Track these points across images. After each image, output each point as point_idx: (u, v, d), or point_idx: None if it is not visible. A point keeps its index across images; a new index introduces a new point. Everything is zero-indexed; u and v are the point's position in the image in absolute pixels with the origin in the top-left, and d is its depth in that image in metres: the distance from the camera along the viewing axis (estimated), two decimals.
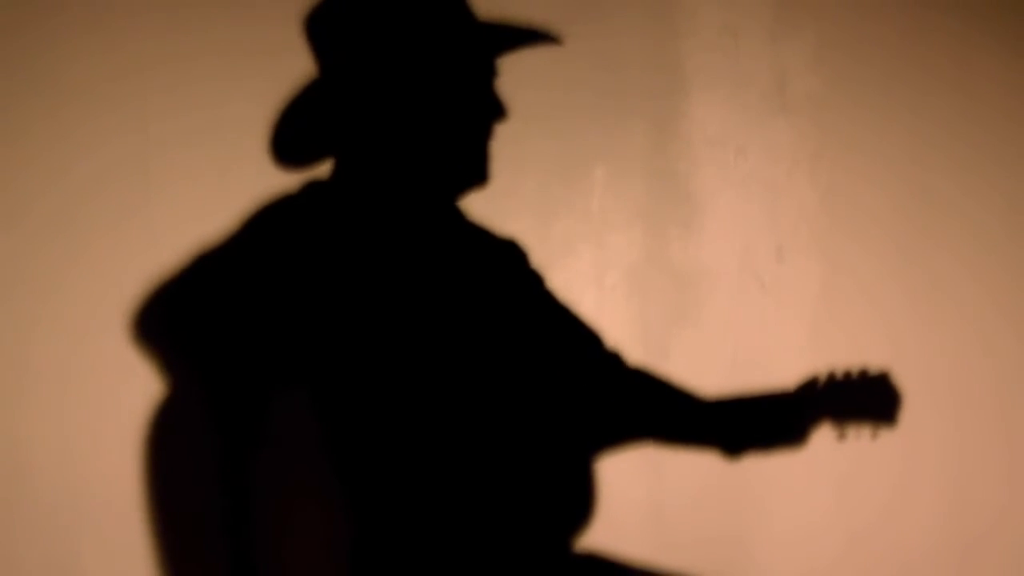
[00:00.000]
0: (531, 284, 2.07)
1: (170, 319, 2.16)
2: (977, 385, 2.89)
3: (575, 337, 2.08)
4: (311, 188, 1.94)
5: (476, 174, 1.91)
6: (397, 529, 1.85)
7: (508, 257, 2.06)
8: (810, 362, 2.71)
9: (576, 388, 2.04)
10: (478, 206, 2.11)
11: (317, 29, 1.93)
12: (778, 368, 2.69)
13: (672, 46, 2.65)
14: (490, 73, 1.90)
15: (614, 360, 2.10)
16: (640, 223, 2.61)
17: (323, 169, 1.98)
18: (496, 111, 1.89)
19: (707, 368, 2.61)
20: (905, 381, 2.10)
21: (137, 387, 2.15)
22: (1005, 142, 2.92)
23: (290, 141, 1.97)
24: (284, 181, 2.06)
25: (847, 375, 2.06)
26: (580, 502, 1.93)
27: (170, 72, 2.17)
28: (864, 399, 2.06)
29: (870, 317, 2.70)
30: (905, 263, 2.82)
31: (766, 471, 2.67)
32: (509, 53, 1.93)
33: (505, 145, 2.47)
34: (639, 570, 2.01)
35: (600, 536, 2.00)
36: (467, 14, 1.92)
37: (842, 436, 2.07)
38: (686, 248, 2.64)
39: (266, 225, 1.92)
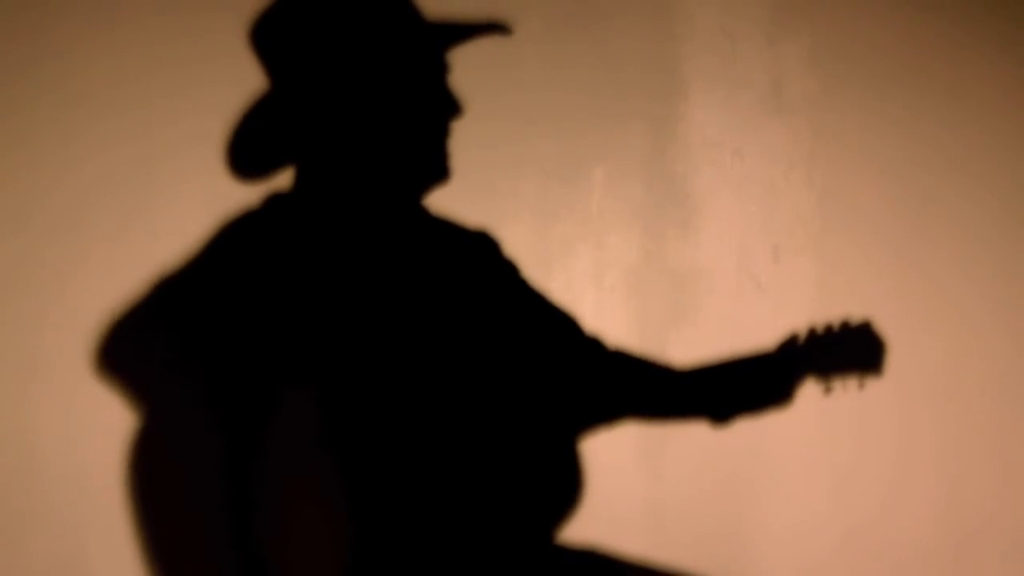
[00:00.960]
0: (505, 273, 2.05)
1: (173, 319, 2.16)
2: (971, 383, 2.88)
3: (553, 321, 2.06)
4: (273, 201, 1.93)
5: (437, 171, 1.90)
6: (399, 527, 1.85)
7: (481, 248, 2.05)
8: None
9: (560, 371, 2.03)
10: (479, 207, 2.11)
11: (264, 37, 1.91)
12: None
13: (670, 49, 2.65)
14: (442, 71, 1.89)
15: (594, 342, 2.08)
16: (639, 224, 2.61)
17: (284, 179, 1.97)
18: (451, 108, 1.88)
19: None
20: (900, 379, 2.10)
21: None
22: (999, 143, 2.92)
23: (246, 153, 1.96)
24: (284, 182, 2.07)
25: (828, 329, 2.04)
26: (573, 487, 1.93)
27: (174, 77, 2.18)
28: (847, 350, 2.03)
29: (865, 316, 2.69)
30: (899, 263, 2.82)
31: (762, 468, 2.68)
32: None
33: (506, 147, 2.48)
34: (637, 566, 2.01)
35: (599, 532, 2.01)
36: (415, 13, 1.91)
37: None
38: (684, 248, 2.64)
39: (247, 233, 1.92)
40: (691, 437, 2.36)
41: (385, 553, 1.86)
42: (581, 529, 1.96)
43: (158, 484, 2.16)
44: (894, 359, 2.08)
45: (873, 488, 2.79)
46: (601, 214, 2.57)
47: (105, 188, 2.15)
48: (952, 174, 2.88)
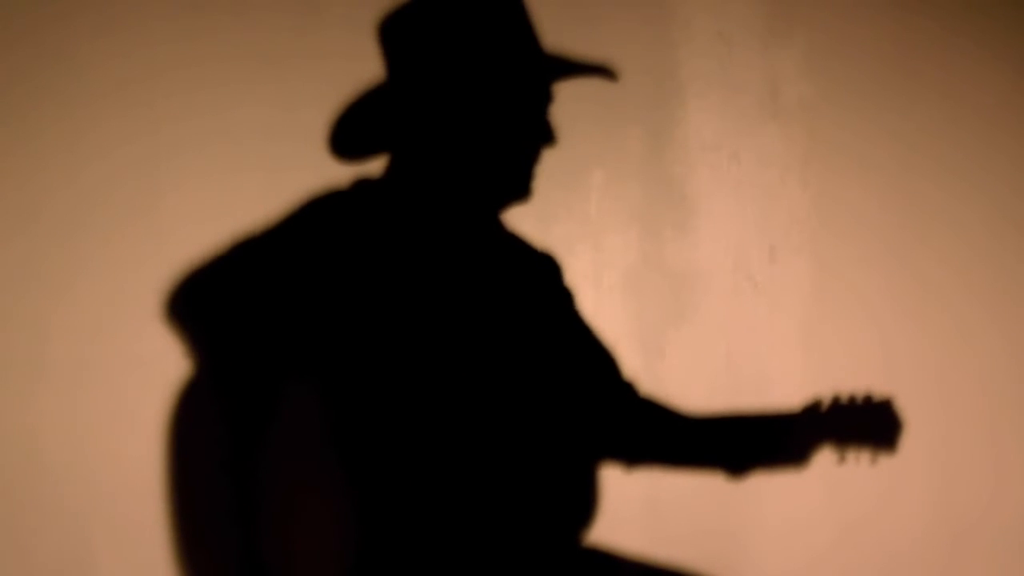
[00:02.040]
0: (558, 299, 2.07)
1: (183, 312, 2.16)
2: (964, 382, 2.89)
3: (592, 358, 2.07)
4: (360, 185, 1.96)
5: (519, 190, 1.92)
6: (403, 522, 1.85)
7: (539, 269, 2.06)
8: (802, 359, 2.73)
9: (587, 408, 2.03)
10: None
11: (390, 35, 1.93)
12: (771, 365, 2.70)
13: (668, 54, 2.65)
14: (546, 99, 1.91)
15: (627, 387, 2.10)
16: (637, 225, 2.61)
17: (374, 168, 1.99)
18: (546, 136, 1.90)
19: (702, 365, 2.62)
20: (893, 378, 2.10)
21: (148, 382, 2.15)
22: (989, 146, 2.93)
23: (348, 136, 1.97)
24: (290, 184, 2.07)
25: (851, 399, 2.05)
26: (582, 505, 1.94)
27: (179, 78, 2.18)
28: (866, 424, 2.05)
29: (859, 315, 2.70)
30: (893, 263, 2.82)
31: None
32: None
33: None
34: (636, 562, 2.01)
35: (598, 530, 2.00)
36: (533, 42, 1.93)
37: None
38: (681, 249, 2.64)
39: (304, 217, 1.94)
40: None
41: (388, 549, 1.86)
42: (582, 527, 1.96)
43: (167, 476, 2.15)
44: (889, 356, 2.08)
45: (868, 485, 2.77)
46: (600, 215, 2.57)
47: (109, 188, 2.15)
48: (944, 176, 2.89)
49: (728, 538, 2.67)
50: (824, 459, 2.25)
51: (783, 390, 2.68)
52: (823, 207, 2.76)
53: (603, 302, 2.54)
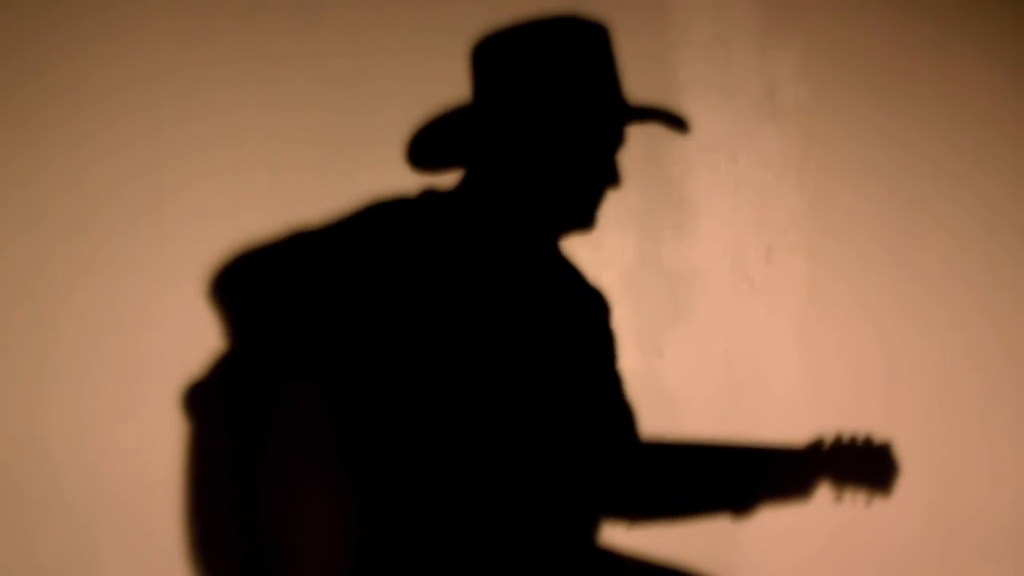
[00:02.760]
0: (594, 333, 2.07)
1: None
2: (958, 380, 2.88)
3: (608, 396, 2.07)
4: (426, 196, 1.97)
5: (581, 223, 1.96)
6: (404, 521, 1.85)
7: (586, 304, 2.07)
8: (798, 357, 2.73)
9: (592, 456, 2.03)
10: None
11: (482, 58, 1.95)
12: (768, 363, 2.70)
13: (666, 57, 2.65)
14: (618, 142, 1.95)
15: (632, 434, 2.10)
16: (635, 226, 2.61)
17: (445, 181, 2.01)
18: (612, 178, 1.93)
19: (699, 364, 2.62)
20: (888, 376, 2.10)
21: (152, 382, 2.15)
22: (983, 147, 2.93)
23: (425, 147, 2.02)
24: (294, 185, 2.08)
25: (852, 441, 2.09)
26: (579, 505, 1.95)
27: (183, 80, 2.18)
28: (864, 466, 2.10)
29: (855, 315, 2.70)
30: (888, 263, 2.82)
31: None
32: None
33: None
34: (635, 559, 2.02)
35: (598, 528, 2.01)
36: (617, 90, 1.97)
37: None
38: (679, 249, 2.64)
39: (368, 221, 1.97)
40: (685, 436, 2.36)
41: (390, 545, 1.86)
42: (580, 521, 1.96)
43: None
44: (884, 355, 2.09)
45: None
46: (599, 216, 2.57)
47: (114, 188, 2.16)
48: (939, 177, 2.88)
49: (724, 534, 2.66)
50: (823, 494, 2.27)
51: (780, 388, 2.69)
52: (819, 208, 2.76)
53: None
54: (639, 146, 2.61)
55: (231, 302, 2.15)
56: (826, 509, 2.74)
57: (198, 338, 2.17)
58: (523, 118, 1.89)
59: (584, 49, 1.92)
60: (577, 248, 2.52)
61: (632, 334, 2.58)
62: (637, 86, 2.60)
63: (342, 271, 1.90)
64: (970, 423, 2.90)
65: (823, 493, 2.11)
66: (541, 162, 1.89)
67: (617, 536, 2.12)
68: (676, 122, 1.98)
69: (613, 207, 2.58)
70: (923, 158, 2.87)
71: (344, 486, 1.94)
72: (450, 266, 1.89)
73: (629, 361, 2.23)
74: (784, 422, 2.30)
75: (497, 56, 1.93)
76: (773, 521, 2.70)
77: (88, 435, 2.13)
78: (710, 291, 2.66)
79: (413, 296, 1.86)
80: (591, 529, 1.98)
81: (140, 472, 2.15)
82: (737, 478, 2.10)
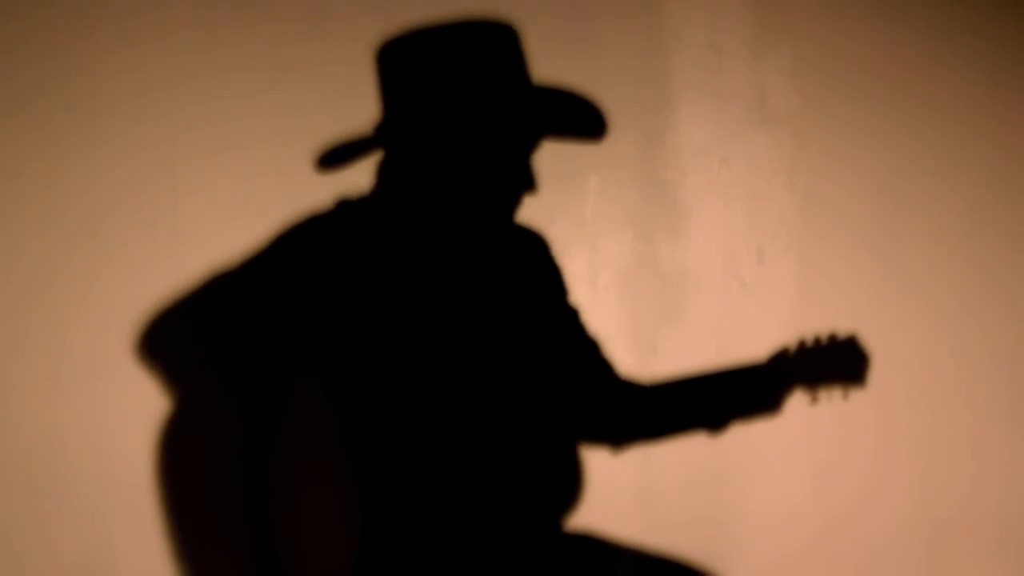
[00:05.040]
0: (545, 280, 2.05)
1: (192, 314, 2.18)
2: (944, 376, 2.87)
3: (575, 340, 2.07)
4: (348, 202, 1.96)
5: (500, 224, 1.92)
6: (407, 515, 1.86)
7: (528, 252, 2.04)
8: None
9: (570, 386, 2.04)
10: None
11: (386, 62, 1.90)
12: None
13: (660, 64, 2.63)
14: (531, 148, 1.89)
15: (606, 366, 2.10)
16: (631, 228, 2.60)
17: (358, 183, 1.99)
18: (528, 183, 1.88)
19: (693, 362, 2.62)
20: (876, 375, 2.10)
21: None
22: (968, 151, 2.90)
23: (334, 151, 1.95)
24: (300, 189, 2.08)
25: (816, 341, 2.04)
26: (573, 490, 1.95)
27: (195, 88, 2.19)
28: (833, 363, 2.04)
29: (843, 314, 2.67)
30: (876, 263, 2.81)
31: (747, 458, 2.67)
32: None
33: None
34: (629, 550, 2.02)
35: (592, 517, 2.02)
36: (526, 81, 1.91)
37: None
38: (673, 251, 2.64)
39: (295, 229, 1.95)
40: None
41: (394, 539, 1.87)
42: (576, 514, 1.98)
43: (179, 470, 2.17)
44: (871, 353, 2.09)
45: (851, 478, 2.79)
46: (595, 219, 2.57)
47: (128, 193, 2.16)
48: (927, 181, 2.87)
49: (716, 527, 2.67)
50: (807, 451, 2.27)
51: None
52: (809, 210, 2.74)
53: (598, 301, 2.54)
54: (634, 150, 2.61)
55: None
56: (815, 500, 2.76)
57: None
58: (439, 125, 1.84)
59: (490, 41, 1.86)
60: (576, 249, 2.54)
61: (627, 332, 2.58)
62: (631, 92, 2.61)
63: (337, 271, 1.89)
64: (954, 418, 2.89)
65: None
66: (451, 162, 1.85)
67: (612, 527, 2.13)
68: (589, 123, 1.92)
69: (609, 209, 2.58)
70: (910, 161, 2.85)
71: (348, 476, 1.94)
72: (396, 258, 1.88)
73: (625, 359, 2.23)
74: (773, 420, 2.31)
75: (402, 54, 1.87)
76: (764, 513, 2.72)
77: (103, 431, 2.14)
78: (703, 291, 2.66)
79: (394, 289, 1.86)
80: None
81: (153, 466, 2.16)
82: (710, 398, 2.07)
